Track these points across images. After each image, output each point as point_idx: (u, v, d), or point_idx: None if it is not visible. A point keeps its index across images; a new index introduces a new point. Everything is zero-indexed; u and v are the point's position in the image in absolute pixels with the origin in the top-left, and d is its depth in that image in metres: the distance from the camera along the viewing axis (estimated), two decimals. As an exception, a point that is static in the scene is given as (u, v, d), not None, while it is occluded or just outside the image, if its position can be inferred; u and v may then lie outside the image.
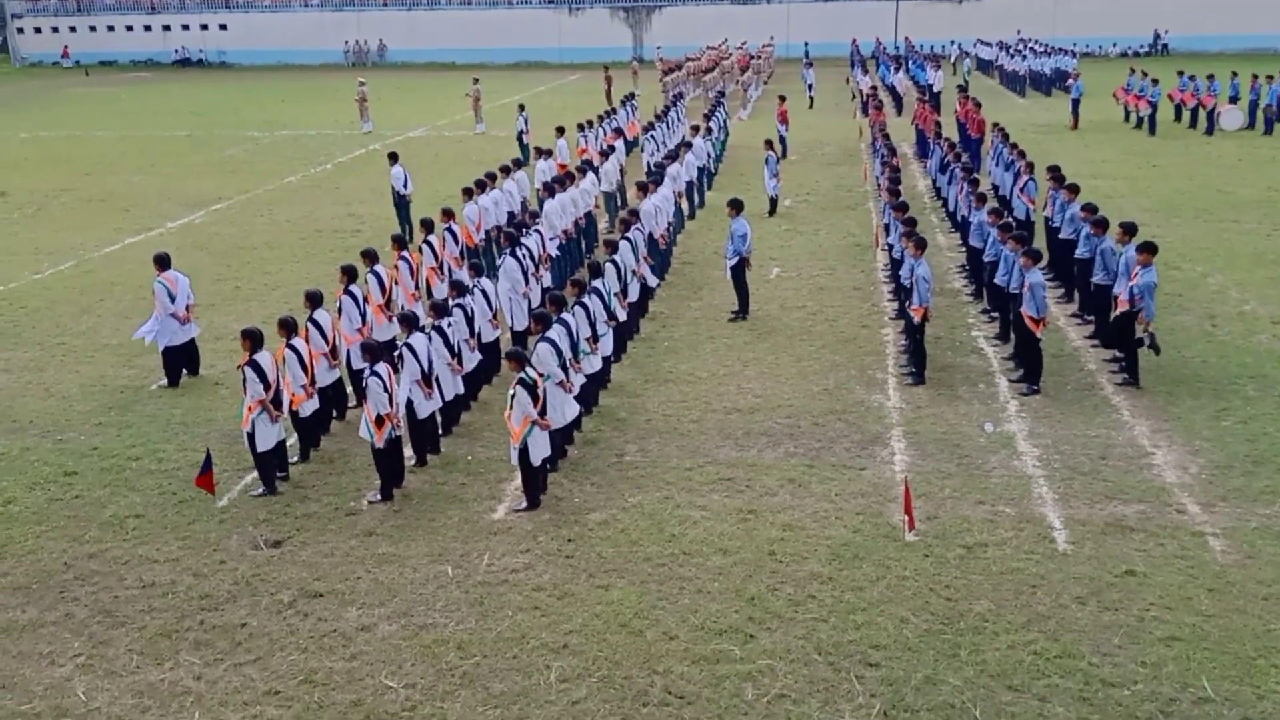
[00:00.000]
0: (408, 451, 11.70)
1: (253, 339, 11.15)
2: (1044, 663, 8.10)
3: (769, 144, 23.89)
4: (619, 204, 22.58)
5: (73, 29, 74.82)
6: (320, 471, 11.79)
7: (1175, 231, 20.68)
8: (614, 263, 14.14)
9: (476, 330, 12.98)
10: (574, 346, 11.77)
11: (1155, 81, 33.44)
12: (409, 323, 11.86)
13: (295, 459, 11.90)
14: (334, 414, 12.83)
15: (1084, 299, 15.80)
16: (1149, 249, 13.12)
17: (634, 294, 15.08)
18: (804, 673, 8.09)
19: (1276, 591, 8.94)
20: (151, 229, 23.85)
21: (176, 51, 73.25)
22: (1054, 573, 9.31)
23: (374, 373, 10.75)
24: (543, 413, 10.64)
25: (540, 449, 10.64)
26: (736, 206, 16.58)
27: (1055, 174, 17.92)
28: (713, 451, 11.95)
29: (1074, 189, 16.94)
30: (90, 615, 9.15)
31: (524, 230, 15.73)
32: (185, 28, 73.85)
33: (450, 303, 12.70)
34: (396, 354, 11.67)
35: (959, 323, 16.02)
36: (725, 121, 31.19)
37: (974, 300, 16.94)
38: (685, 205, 22.66)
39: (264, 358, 11.17)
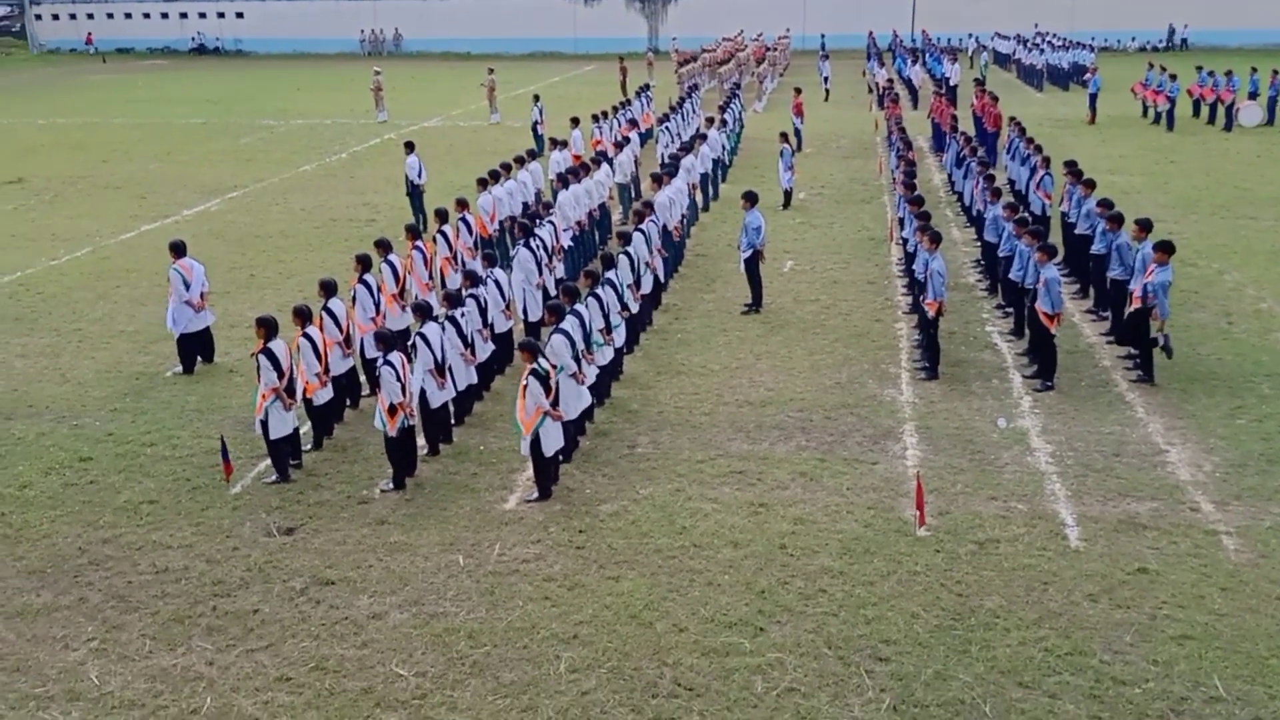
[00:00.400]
0: (420, 441, 11.73)
1: (267, 327, 11.20)
2: (1055, 660, 8.09)
3: (784, 136, 23.84)
4: (633, 195, 22.56)
5: (90, 16, 75.07)
6: (333, 460, 11.84)
7: (1192, 228, 20.57)
8: (627, 254, 14.14)
9: (489, 320, 13.00)
10: (587, 338, 11.77)
11: (1174, 76, 33.18)
12: (422, 312, 11.89)
13: (309, 447, 11.96)
14: (347, 402, 12.88)
15: (1099, 295, 15.72)
16: (1166, 248, 13.04)
17: (647, 286, 15.07)
18: (814, 666, 8.10)
19: (1290, 591, 8.91)
20: (167, 216, 23.95)
21: (193, 39, 73.48)
22: (1066, 570, 9.28)
23: (387, 362, 10.79)
24: (555, 404, 10.66)
25: (552, 440, 10.66)
26: (751, 199, 16.54)
27: (1072, 169, 17.82)
28: (724, 444, 11.95)
29: (1090, 184, 16.85)
30: (104, 600, 9.21)
31: (538, 221, 15.73)
32: (202, 15, 74.06)
33: (464, 293, 12.72)
34: (410, 343, 11.71)
35: (973, 318, 15.96)
36: (740, 113, 31.12)
37: (988, 295, 16.89)
38: (699, 197, 22.62)
39: (278, 346, 11.22)
